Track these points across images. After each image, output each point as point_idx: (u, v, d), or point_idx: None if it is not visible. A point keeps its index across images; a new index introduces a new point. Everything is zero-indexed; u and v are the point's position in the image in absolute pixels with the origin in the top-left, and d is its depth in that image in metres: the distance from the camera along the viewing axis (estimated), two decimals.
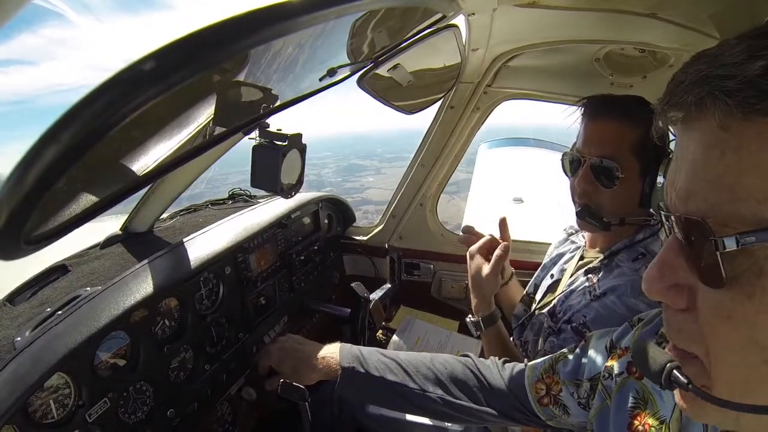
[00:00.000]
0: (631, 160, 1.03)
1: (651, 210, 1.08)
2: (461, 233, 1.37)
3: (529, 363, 0.92)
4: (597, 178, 1.06)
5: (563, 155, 1.15)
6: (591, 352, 0.81)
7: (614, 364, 0.73)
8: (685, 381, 0.41)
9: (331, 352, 1.01)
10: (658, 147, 1.04)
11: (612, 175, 1.04)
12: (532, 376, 0.89)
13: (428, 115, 1.67)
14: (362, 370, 0.94)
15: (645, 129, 1.03)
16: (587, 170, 1.07)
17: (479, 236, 1.30)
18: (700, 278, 0.38)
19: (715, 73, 0.34)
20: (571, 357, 0.85)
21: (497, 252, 1.19)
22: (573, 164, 1.12)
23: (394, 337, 1.63)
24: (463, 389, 0.92)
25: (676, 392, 0.44)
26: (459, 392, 0.92)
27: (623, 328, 0.78)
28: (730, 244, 0.34)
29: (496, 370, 0.95)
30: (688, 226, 0.37)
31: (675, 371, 0.42)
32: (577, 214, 1.13)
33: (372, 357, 0.96)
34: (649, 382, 0.66)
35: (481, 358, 0.98)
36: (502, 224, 1.29)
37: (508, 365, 0.95)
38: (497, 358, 0.98)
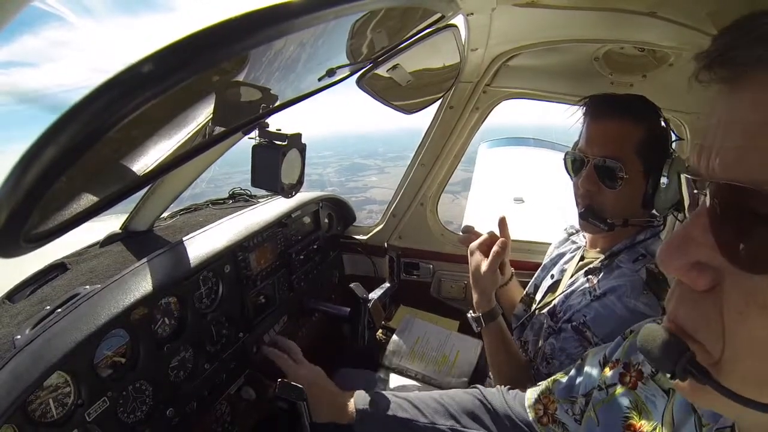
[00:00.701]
0: (634, 160, 1.03)
1: (654, 211, 1.07)
2: (461, 233, 1.38)
3: (530, 387, 0.95)
4: (601, 179, 1.06)
5: (566, 155, 1.15)
6: (586, 369, 0.82)
7: (606, 376, 0.74)
8: (704, 373, 0.36)
9: (348, 398, 1.04)
10: (662, 147, 1.04)
11: (616, 176, 1.03)
12: (532, 398, 0.92)
13: (430, 113, 1.67)
14: (374, 410, 0.98)
15: (648, 129, 1.03)
16: (591, 170, 1.07)
17: (478, 236, 1.30)
18: (731, 260, 0.33)
19: None
20: (566, 377, 0.87)
21: (494, 248, 1.20)
22: (576, 164, 1.11)
23: (394, 337, 1.63)
24: (473, 418, 0.95)
25: (687, 382, 0.39)
26: (469, 421, 0.94)
27: (616, 343, 0.78)
28: None
29: (501, 397, 0.98)
30: (733, 196, 0.32)
31: (689, 365, 0.37)
32: (580, 215, 1.13)
33: (384, 398, 1.00)
34: (643, 392, 0.66)
35: (488, 388, 1.02)
36: (502, 224, 1.29)
37: (512, 391, 0.99)
38: (502, 386, 1.02)
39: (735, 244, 0.33)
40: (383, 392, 1.03)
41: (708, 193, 0.35)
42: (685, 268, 0.36)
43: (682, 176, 0.39)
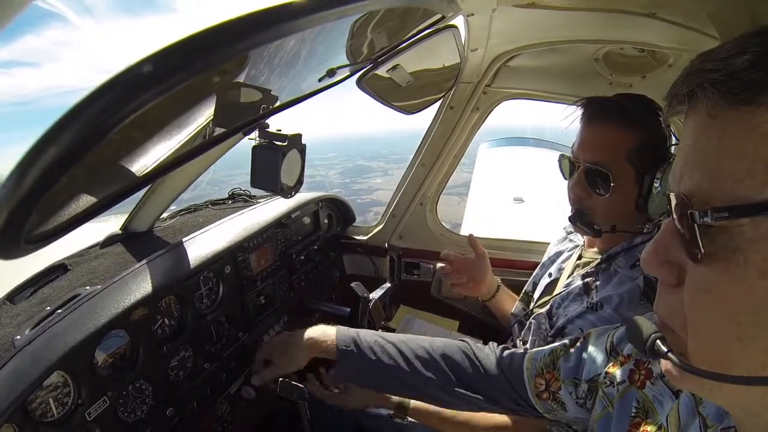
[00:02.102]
0: (626, 166, 1.01)
1: (649, 214, 1.06)
2: (439, 262, 1.46)
3: (528, 355, 0.91)
4: (590, 185, 1.05)
5: (560, 157, 1.14)
6: (591, 352, 0.81)
7: (616, 372, 0.73)
8: (665, 350, 0.44)
9: (326, 332, 1.01)
10: (657, 151, 1.02)
11: (605, 182, 1.02)
12: (532, 368, 0.88)
13: (430, 114, 1.67)
14: (358, 352, 0.95)
15: (642, 133, 1.01)
16: (581, 176, 1.06)
17: (455, 258, 1.42)
18: (686, 252, 0.40)
19: (706, 66, 0.38)
20: (572, 354, 0.85)
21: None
22: (568, 168, 1.12)
23: None
24: (461, 376, 0.92)
25: (662, 362, 0.46)
26: (455, 379, 0.92)
27: (624, 331, 0.77)
28: (706, 219, 0.37)
29: (494, 358, 0.94)
30: (677, 203, 0.41)
31: (658, 341, 0.45)
32: (569, 218, 1.13)
33: (368, 338, 0.97)
34: (651, 392, 0.66)
35: (479, 345, 0.98)
36: (472, 241, 1.41)
37: (507, 353, 0.95)
38: (495, 344, 0.98)
39: (685, 239, 0.39)
40: (367, 331, 1.00)
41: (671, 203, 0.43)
42: (656, 266, 0.43)
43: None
